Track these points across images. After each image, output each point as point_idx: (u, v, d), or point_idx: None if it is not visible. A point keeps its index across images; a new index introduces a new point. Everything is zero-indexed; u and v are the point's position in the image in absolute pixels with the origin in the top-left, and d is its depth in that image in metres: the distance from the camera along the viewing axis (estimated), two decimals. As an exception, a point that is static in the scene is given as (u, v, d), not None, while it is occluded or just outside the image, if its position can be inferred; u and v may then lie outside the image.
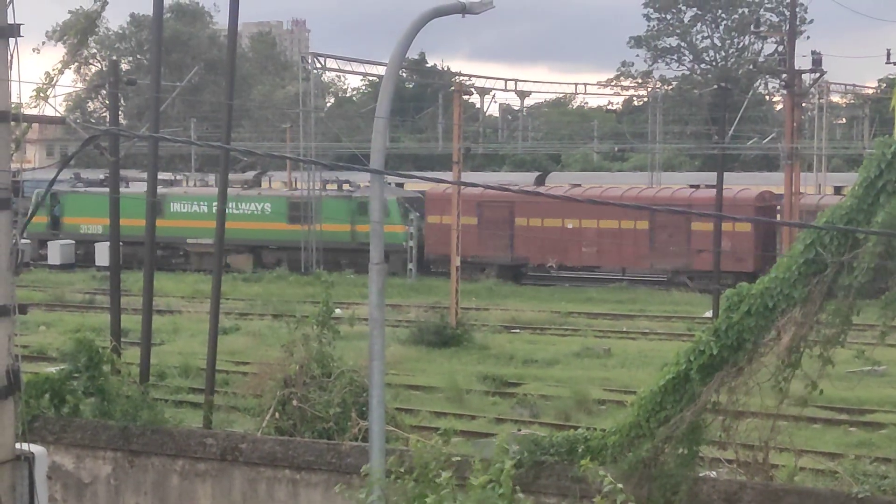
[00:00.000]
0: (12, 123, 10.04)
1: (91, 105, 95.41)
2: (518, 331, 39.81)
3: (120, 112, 26.80)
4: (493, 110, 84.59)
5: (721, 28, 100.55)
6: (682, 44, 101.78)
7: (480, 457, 10.39)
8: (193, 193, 60.64)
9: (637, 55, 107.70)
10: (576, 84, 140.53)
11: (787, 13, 60.53)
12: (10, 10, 9.88)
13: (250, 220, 57.31)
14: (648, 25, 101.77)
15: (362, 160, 38.19)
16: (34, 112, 21.03)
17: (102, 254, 55.17)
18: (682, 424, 13.90)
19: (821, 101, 65.15)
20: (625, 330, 40.29)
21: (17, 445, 10.30)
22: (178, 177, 71.73)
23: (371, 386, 13.49)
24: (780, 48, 62.75)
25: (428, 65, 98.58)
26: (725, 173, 41.70)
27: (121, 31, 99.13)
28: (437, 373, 30.78)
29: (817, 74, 46.76)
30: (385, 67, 17.65)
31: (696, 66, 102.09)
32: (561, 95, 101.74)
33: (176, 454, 17.49)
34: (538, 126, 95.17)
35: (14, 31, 9.92)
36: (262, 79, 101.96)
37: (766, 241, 50.76)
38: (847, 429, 24.84)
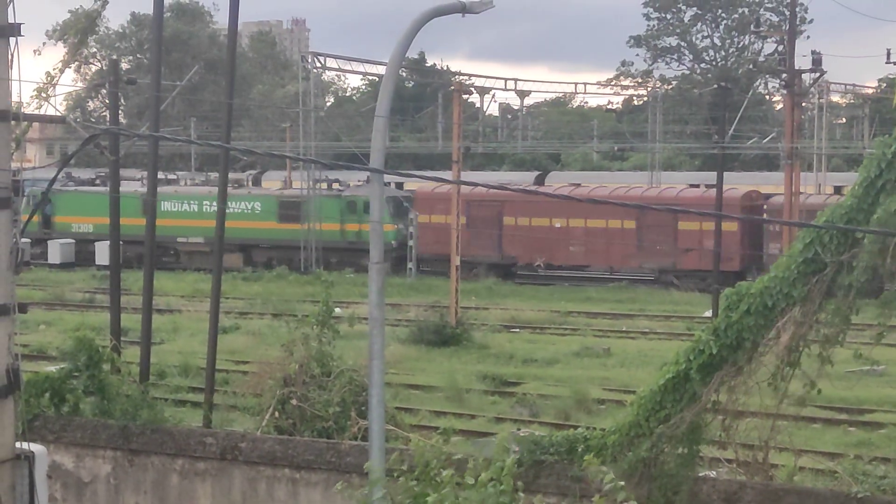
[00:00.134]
0: (13, 122, 10.04)
1: (91, 104, 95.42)
2: (518, 330, 39.81)
3: (120, 111, 26.79)
4: (492, 110, 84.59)
5: (721, 28, 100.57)
6: (682, 43, 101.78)
7: (481, 456, 10.40)
8: (184, 193, 60.75)
9: (637, 55, 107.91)
10: (575, 84, 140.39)
11: (787, 13, 60.53)
12: (10, 9, 9.88)
13: (241, 219, 57.39)
14: (648, 25, 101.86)
15: (362, 159, 38.18)
16: (34, 111, 21.05)
17: (102, 253, 55.30)
18: (682, 424, 13.90)
19: (821, 100, 65.13)
20: (624, 329, 40.29)
21: (17, 444, 10.30)
22: (171, 176, 71.76)
23: (371, 385, 13.50)
24: (780, 48, 62.74)
25: (427, 64, 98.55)
26: (725, 173, 41.78)
27: (121, 31, 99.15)
28: (437, 372, 30.78)
29: (817, 74, 46.75)
30: (385, 67, 17.67)
31: (695, 66, 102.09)
32: (561, 95, 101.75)
33: (176, 453, 17.50)
34: (538, 125, 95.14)
35: (14, 30, 9.92)
36: (262, 78, 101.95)
37: (753, 241, 51.02)
38: (846, 428, 24.85)
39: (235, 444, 17.12)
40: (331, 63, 61.30)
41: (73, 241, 61.88)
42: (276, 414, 18.01)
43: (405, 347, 34.54)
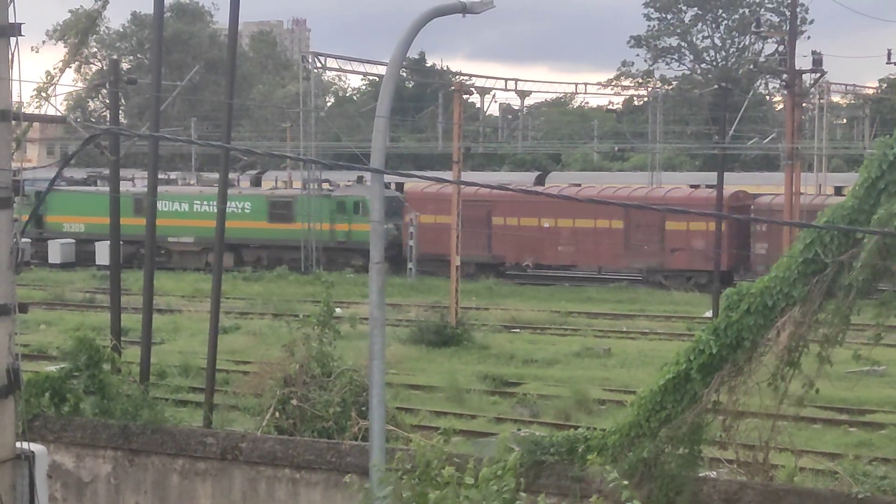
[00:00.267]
0: (13, 122, 10.04)
1: (91, 104, 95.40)
2: (518, 330, 39.81)
3: (120, 111, 26.77)
4: (493, 110, 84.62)
5: (722, 28, 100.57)
6: (683, 43, 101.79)
7: (481, 455, 10.42)
8: (174, 193, 60.86)
9: (637, 55, 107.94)
10: (576, 84, 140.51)
11: (788, 13, 60.55)
12: (10, 9, 9.88)
13: (231, 219, 57.27)
14: (649, 25, 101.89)
15: (362, 159, 38.17)
16: (35, 111, 21.05)
17: (102, 252, 55.34)
18: (683, 426, 13.90)
19: (821, 101, 65.12)
20: (625, 330, 40.30)
21: (18, 444, 10.30)
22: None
23: (371, 385, 13.50)
24: (781, 48, 62.68)
25: (427, 64, 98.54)
26: (726, 173, 41.85)
27: (121, 31, 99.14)
28: (438, 372, 30.78)
29: (818, 74, 46.73)
30: (385, 67, 17.68)
31: (696, 66, 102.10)
32: (561, 95, 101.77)
33: (176, 453, 17.49)
34: (538, 126, 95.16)
35: (15, 30, 9.92)
36: (263, 78, 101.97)
37: (740, 241, 51.28)
38: (847, 429, 24.85)
39: (236, 444, 17.12)
40: (331, 63, 61.37)
41: (74, 240, 61.93)
42: (277, 414, 18.01)
43: (406, 348, 34.54)
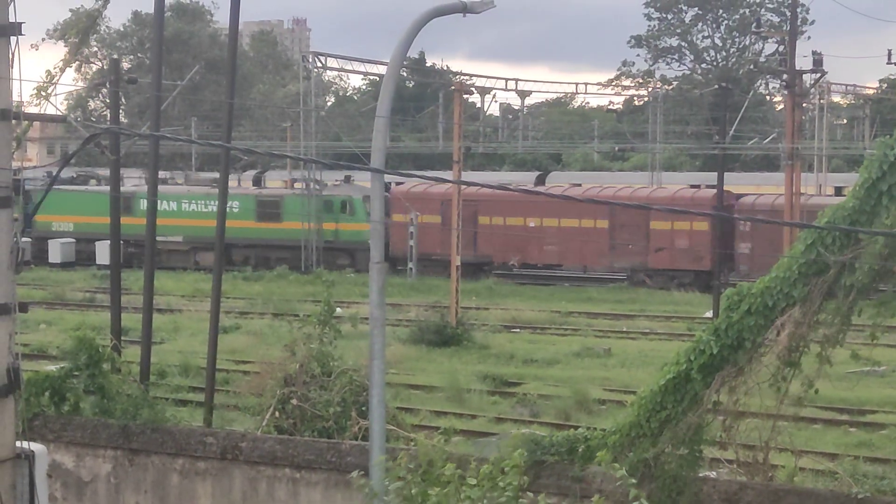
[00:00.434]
0: (13, 122, 10.04)
1: (92, 104, 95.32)
2: (518, 330, 39.81)
3: (121, 111, 26.77)
4: (493, 110, 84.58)
5: (722, 28, 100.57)
6: (683, 44, 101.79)
7: (482, 455, 10.43)
8: (162, 192, 60.84)
9: (638, 55, 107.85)
10: (576, 84, 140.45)
11: (788, 13, 60.52)
12: (10, 8, 9.88)
13: None
14: (649, 25, 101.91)
15: (363, 159, 38.15)
16: (35, 110, 21.03)
17: (102, 252, 55.36)
18: (687, 429, 13.90)
19: (821, 101, 65.11)
20: (625, 330, 40.29)
21: (18, 443, 10.30)
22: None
23: (371, 385, 13.50)
24: (781, 48, 62.65)
25: (427, 64, 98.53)
26: (726, 174, 41.89)
27: (122, 30, 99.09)
28: (438, 372, 30.78)
29: (818, 75, 46.69)
30: (385, 67, 17.67)
31: (696, 66, 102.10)
32: (561, 95, 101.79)
33: (176, 453, 17.49)
34: (538, 126, 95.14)
35: (15, 29, 9.92)
36: (263, 78, 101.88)
37: (724, 240, 51.54)
38: (847, 429, 24.84)
39: (236, 444, 17.12)
40: (331, 63, 61.36)
41: (74, 240, 61.92)
42: (277, 414, 18.00)
43: (406, 347, 34.53)
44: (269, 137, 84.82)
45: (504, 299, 48.08)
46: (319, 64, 61.43)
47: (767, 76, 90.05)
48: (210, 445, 17.26)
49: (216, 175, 66.55)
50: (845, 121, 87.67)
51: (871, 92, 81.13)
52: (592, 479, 14.54)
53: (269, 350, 28.16)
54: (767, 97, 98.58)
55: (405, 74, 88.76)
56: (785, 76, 45.11)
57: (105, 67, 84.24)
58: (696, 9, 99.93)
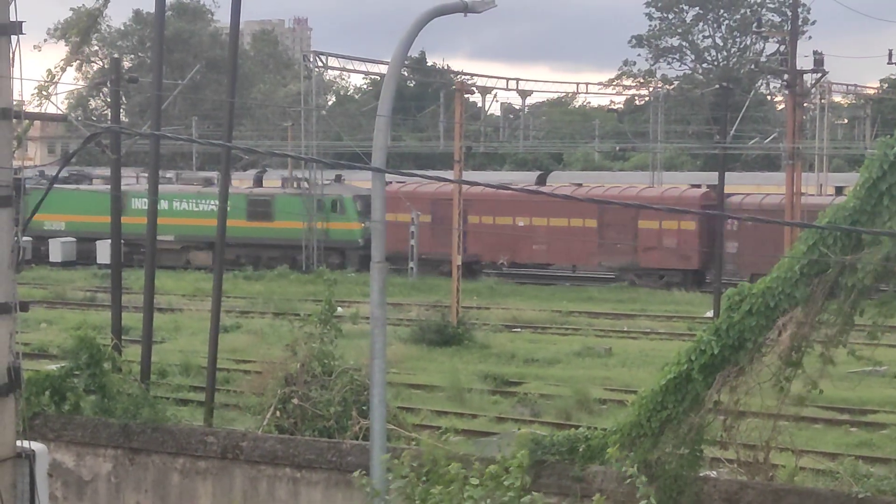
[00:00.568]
0: (14, 121, 10.03)
1: (93, 103, 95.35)
2: (519, 330, 39.80)
3: (121, 110, 26.77)
4: (494, 109, 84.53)
5: (723, 28, 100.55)
6: (684, 43, 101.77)
7: (483, 455, 10.43)
8: None
9: (639, 55, 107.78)
10: (577, 83, 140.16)
11: (789, 13, 60.47)
12: (11, 7, 9.87)
13: (210, 217, 57.63)
14: (650, 25, 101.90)
15: (364, 158, 38.16)
16: (36, 109, 21.05)
17: (103, 251, 55.37)
18: (688, 429, 13.89)
19: (822, 101, 65.06)
20: (626, 329, 40.29)
21: (18, 443, 10.30)
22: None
23: (372, 384, 13.50)
24: (782, 48, 62.62)
25: (428, 64, 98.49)
26: (727, 173, 41.93)
27: (123, 29, 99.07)
28: (439, 371, 30.78)
29: (819, 75, 46.61)
30: (386, 66, 17.65)
31: (697, 66, 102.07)
32: (563, 95, 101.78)
33: (176, 452, 17.48)
34: (540, 125, 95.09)
35: (16, 28, 9.91)
36: (264, 77, 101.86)
37: (711, 240, 51.79)
38: (848, 429, 24.84)
39: (236, 444, 17.11)
40: (332, 62, 61.32)
41: (75, 239, 61.89)
42: (278, 413, 18.00)
43: (407, 347, 34.53)
44: (269, 137, 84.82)
45: (505, 299, 48.09)
46: (320, 63, 61.42)
47: (768, 76, 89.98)
48: (211, 445, 17.25)
49: (207, 174, 66.80)
50: (846, 121, 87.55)
51: (871, 92, 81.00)
52: (593, 478, 14.54)
53: (269, 349, 28.17)
54: (768, 97, 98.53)
55: (406, 74, 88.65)
56: (786, 76, 45.05)
57: (106, 66, 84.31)
58: (697, 8, 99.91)
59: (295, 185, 61.42)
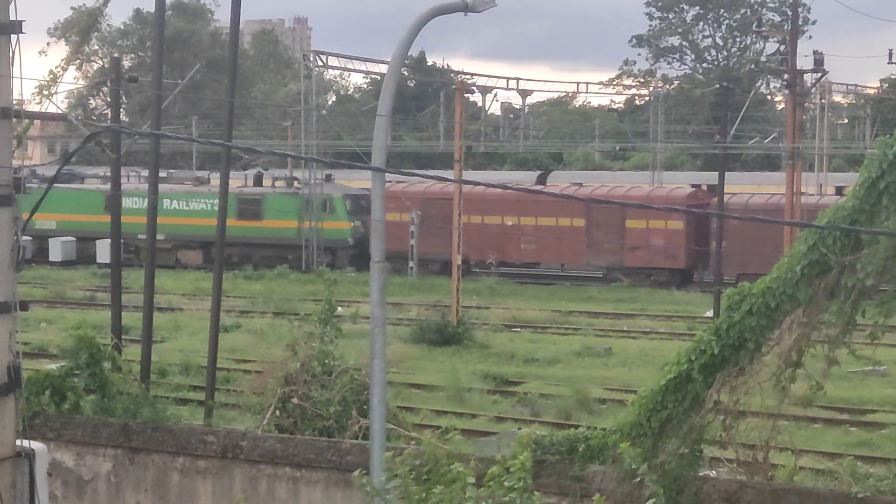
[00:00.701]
0: (14, 120, 10.04)
1: (93, 102, 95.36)
2: (519, 329, 39.81)
3: (121, 109, 26.78)
4: (494, 109, 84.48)
5: (723, 27, 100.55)
6: (684, 43, 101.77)
7: (483, 455, 10.43)
8: (144, 190, 60.88)
9: (639, 54, 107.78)
10: (577, 83, 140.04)
11: (790, 13, 60.49)
12: (11, 7, 9.88)
13: (200, 217, 57.70)
14: (650, 24, 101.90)
15: (363, 158, 38.19)
16: (36, 108, 21.05)
17: (103, 251, 55.37)
18: (689, 429, 13.89)
19: (822, 101, 65.03)
20: (626, 329, 40.29)
21: (18, 442, 10.30)
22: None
23: (372, 384, 13.49)
24: (782, 48, 62.57)
25: (428, 63, 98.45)
26: (727, 173, 41.95)
27: (123, 28, 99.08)
28: (438, 371, 30.79)
29: (819, 74, 46.62)
30: (386, 66, 17.66)
31: (697, 66, 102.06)
32: (563, 94, 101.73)
33: (176, 451, 17.48)
34: (540, 125, 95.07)
35: (16, 27, 9.92)
36: (264, 77, 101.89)
37: (699, 239, 51.92)
38: (848, 429, 24.85)
39: (236, 443, 17.11)
40: (332, 62, 61.35)
41: (75, 239, 61.88)
42: (277, 413, 18.00)
43: (407, 346, 34.54)
44: (269, 136, 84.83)
45: (505, 298, 48.10)
46: (320, 63, 61.43)
47: (768, 76, 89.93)
48: (210, 444, 17.26)
49: (198, 174, 66.75)
50: (846, 120, 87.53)
51: (872, 92, 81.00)
52: (593, 478, 14.54)
53: (269, 349, 28.18)
54: (768, 97, 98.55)
55: (406, 73, 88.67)
56: (786, 76, 45.06)
57: (106, 66, 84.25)
58: (698, 8, 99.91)
59: (285, 184, 61.51)
